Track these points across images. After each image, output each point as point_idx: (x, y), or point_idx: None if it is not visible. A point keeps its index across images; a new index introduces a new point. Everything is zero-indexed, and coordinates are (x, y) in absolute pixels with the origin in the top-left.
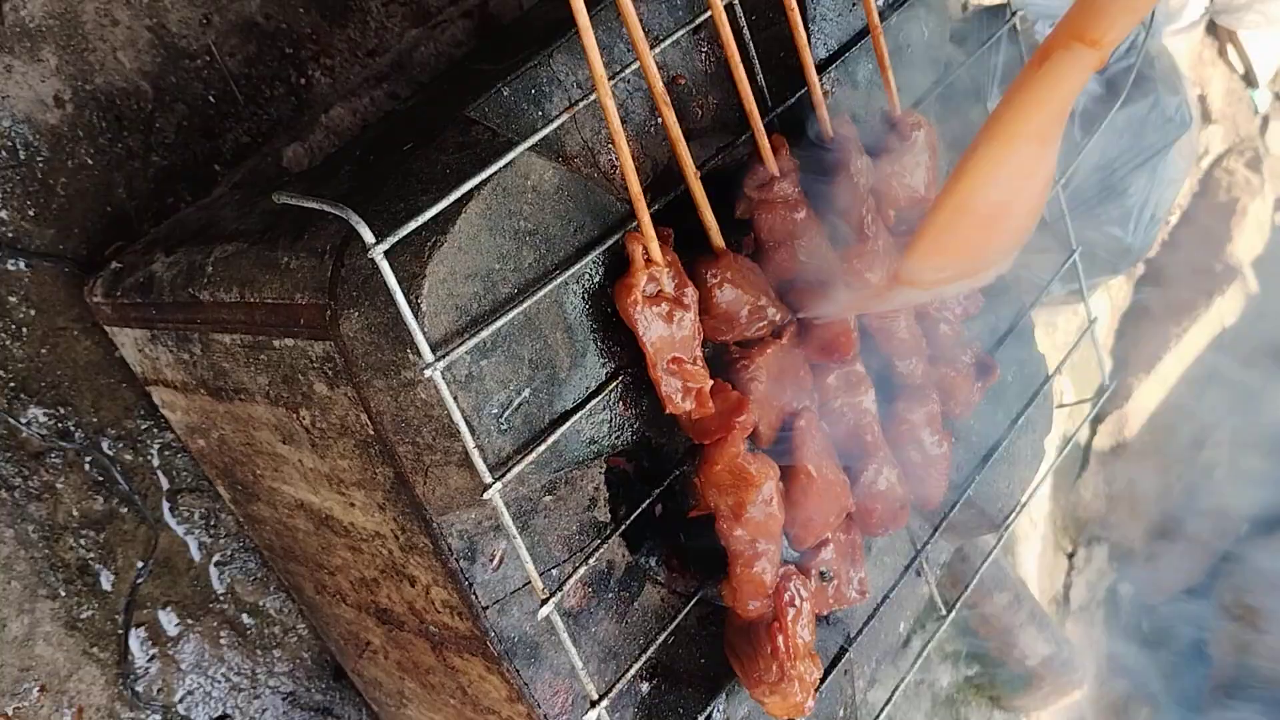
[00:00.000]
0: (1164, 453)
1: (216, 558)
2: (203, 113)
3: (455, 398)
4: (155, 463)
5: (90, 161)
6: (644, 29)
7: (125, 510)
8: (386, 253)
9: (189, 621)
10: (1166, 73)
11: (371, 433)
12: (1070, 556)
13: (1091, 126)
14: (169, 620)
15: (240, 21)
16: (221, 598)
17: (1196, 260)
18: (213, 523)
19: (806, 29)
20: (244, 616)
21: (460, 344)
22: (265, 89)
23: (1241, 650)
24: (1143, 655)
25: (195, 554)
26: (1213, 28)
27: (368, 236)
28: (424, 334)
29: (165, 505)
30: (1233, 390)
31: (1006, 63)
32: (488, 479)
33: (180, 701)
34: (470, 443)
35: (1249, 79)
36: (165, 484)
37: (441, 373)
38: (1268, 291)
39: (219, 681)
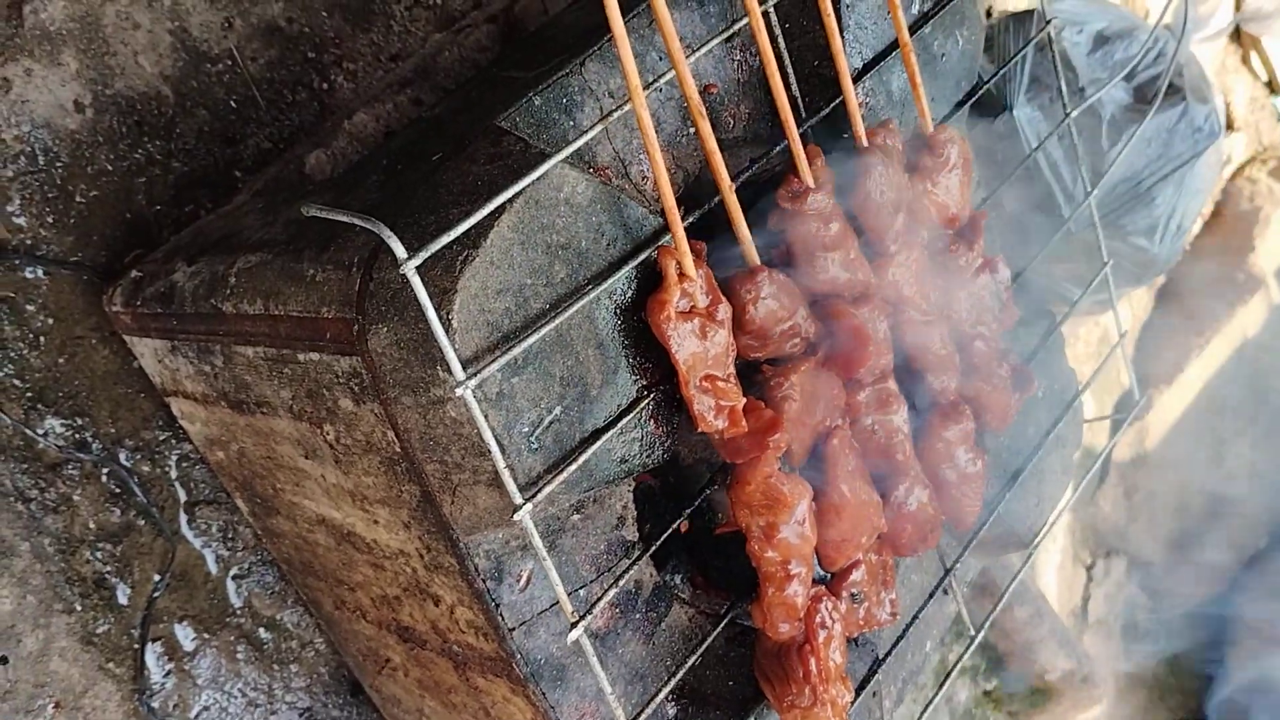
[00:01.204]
0: (1184, 465)
1: (234, 571)
2: (224, 118)
3: (486, 416)
4: (173, 475)
5: (110, 167)
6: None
7: (142, 523)
8: (417, 267)
9: (205, 636)
10: (1195, 81)
11: (398, 450)
12: (1089, 569)
13: (1120, 136)
14: (185, 635)
15: (262, 25)
16: (239, 612)
17: (1218, 270)
18: (230, 536)
19: (841, 37)
20: (261, 631)
21: (492, 361)
22: (287, 94)
23: (1259, 666)
24: (1160, 669)
25: (212, 567)
26: (1236, 35)
27: (399, 251)
28: (455, 351)
29: (183, 518)
30: (1254, 402)
31: (1033, 73)
32: (518, 499)
33: (196, 717)
34: (501, 462)
35: (1272, 86)
36: (183, 496)
37: (472, 391)
38: None
39: (235, 697)
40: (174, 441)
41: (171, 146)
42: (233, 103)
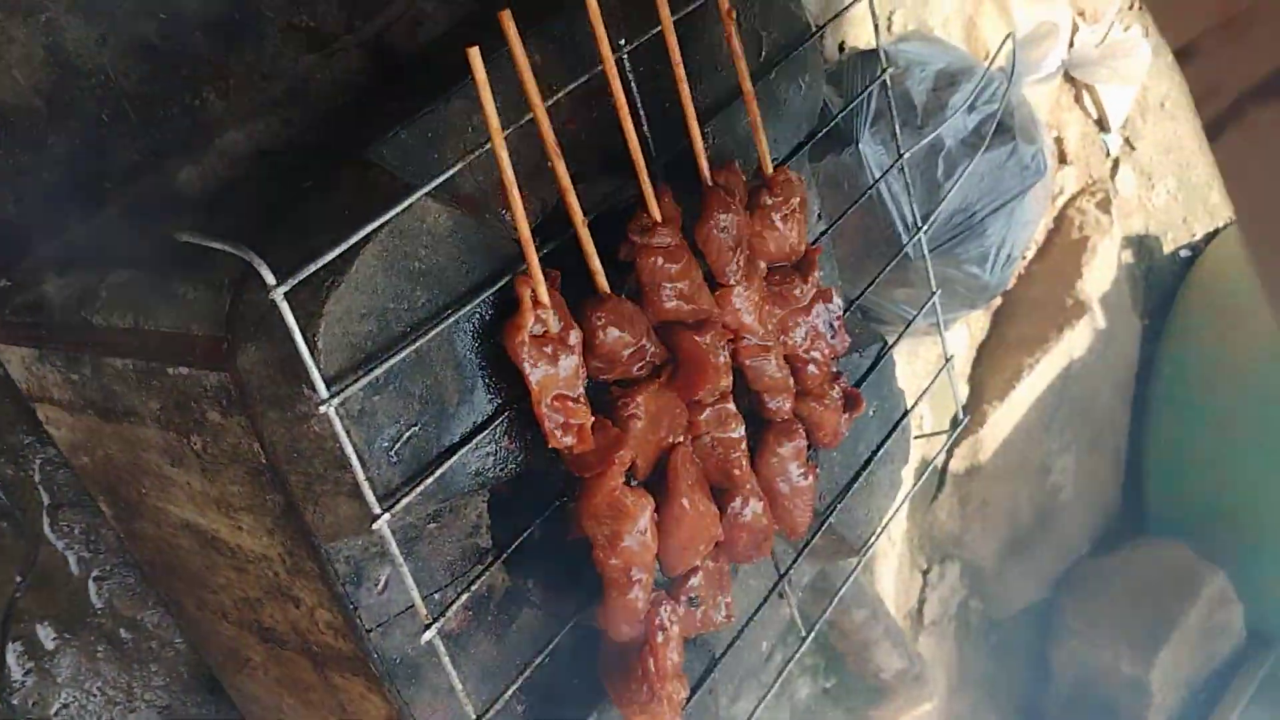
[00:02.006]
0: (1015, 476)
1: (95, 573)
2: (96, 131)
3: (348, 432)
4: (37, 478)
5: None
6: (537, 77)
7: (4, 524)
8: (285, 292)
9: (66, 636)
10: (1025, 122)
11: (263, 461)
12: (925, 574)
13: (954, 171)
14: (46, 634)
15: (136, 42)
16: (100, 612)
17: (1049, 295)
18: (93, 538)
19: (690, 83)
20: (122, 630)
21: (354, 381)
22: (159, 109)
23: (1080, 663)
24: (989, 668)
25: (74, 569)
26: (1071, 77)
27: (269, 278)
28: (319, 371)
29: (45, 520)
30: (1078, 419)
31: (878, 108)
32: (376, 510)
33: (55, 715)
34: (361, 475)
35: (1102, 124)
36: (46, 499)
37: (335, 408)
38: (1114, 326)
39: (94, 695)
40: (38, 446)
41: (42, 158)
42: (105, 116)
